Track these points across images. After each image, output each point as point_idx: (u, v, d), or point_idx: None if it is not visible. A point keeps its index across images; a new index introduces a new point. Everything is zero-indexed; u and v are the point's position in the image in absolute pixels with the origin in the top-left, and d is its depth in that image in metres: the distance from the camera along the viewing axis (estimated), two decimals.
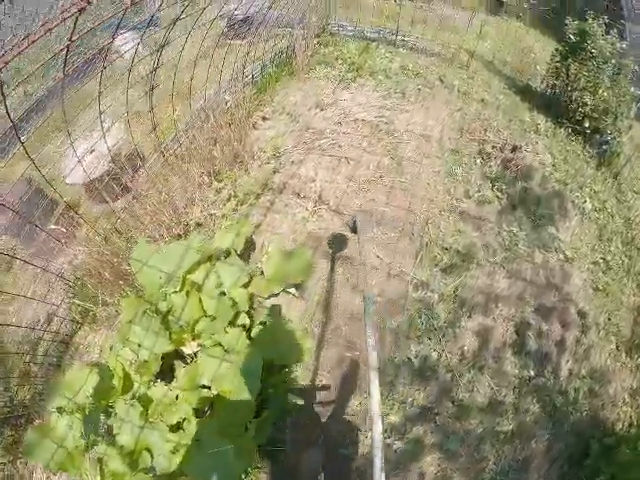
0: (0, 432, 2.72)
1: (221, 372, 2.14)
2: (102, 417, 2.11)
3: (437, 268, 2.81)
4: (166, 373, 2.36)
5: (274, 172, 3.43)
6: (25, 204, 3.28)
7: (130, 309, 2.49)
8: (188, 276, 2.40)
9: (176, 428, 2.09)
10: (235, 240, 2.70)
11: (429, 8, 5.93)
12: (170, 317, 2.36)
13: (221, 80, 3.66)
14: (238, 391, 2.02)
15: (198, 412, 2.12)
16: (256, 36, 4.25)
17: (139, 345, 2.31)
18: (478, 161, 3.53)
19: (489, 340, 2.56)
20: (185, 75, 3.53)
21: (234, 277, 2.45)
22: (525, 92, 4.70)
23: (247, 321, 2.35)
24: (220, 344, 2.20)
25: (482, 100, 4.29)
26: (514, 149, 3.52)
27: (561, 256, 2.97)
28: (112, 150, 3.27)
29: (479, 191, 3.27)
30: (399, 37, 5.14)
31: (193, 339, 2.33)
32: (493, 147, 3.60)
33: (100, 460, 1.98)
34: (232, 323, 2.34)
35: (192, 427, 2.01)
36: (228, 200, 3.24)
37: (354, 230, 2.52)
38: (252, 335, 2.27)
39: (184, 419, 2.08)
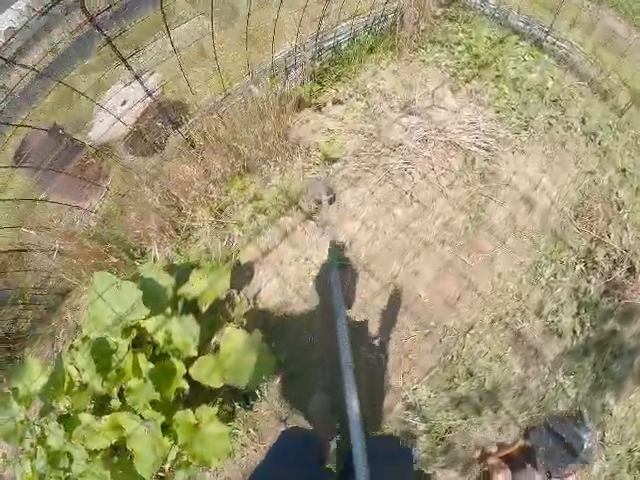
0: None
1: (136, 433, 1.75)
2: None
3: (445, 395, 2.04)
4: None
5: None
6: (47, 149, 2.92)
7: (100, 284, 2.20)
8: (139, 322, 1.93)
9: (95, 453, 1.96)
10: (208, 292, 2.08)
11: (597, 13, 4.04)
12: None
13: (297, 36, 2.74)
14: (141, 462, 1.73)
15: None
16: None
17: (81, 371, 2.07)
18: (578, 268, 2.38)
19: None
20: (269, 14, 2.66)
21: (187, 342, 1.91)
22: None
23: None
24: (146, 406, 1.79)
25: (623, 170, 2.87)
26: (630, 271, 2.37)
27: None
28: (150, 100, 2.67)
29: (556, 313, 2.24)
30: (550, 38, 3.48)
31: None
32: (605, 256, 2.42)
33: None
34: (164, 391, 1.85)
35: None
36: (250, 202, 2.64)
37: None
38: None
39: (102, 450, 1.92)
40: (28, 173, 2.77)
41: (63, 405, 2.04)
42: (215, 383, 1.84)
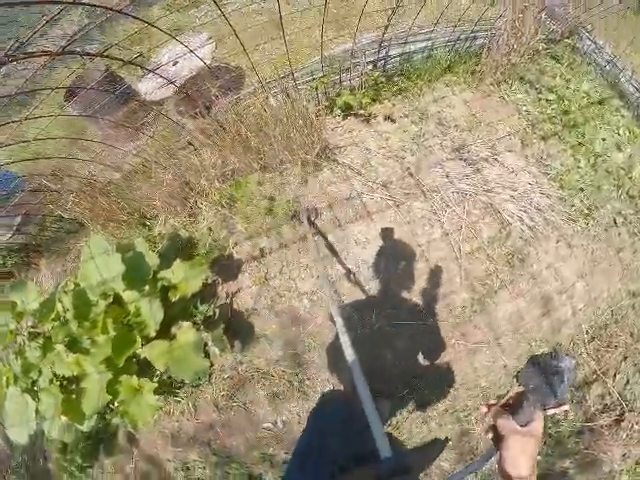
0: None
1: (91, 376, 1.92)
2: None
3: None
4: None
5: (329, 205, 2.28)
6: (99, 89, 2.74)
7: (94, 247, 2.25)
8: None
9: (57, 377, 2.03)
10: (182, 285, 2.07)
11: None
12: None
13: (355, 35, 2.27)
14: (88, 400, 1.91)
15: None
16: None
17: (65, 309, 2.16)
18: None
19: None
20: None
21: (149, 323, 1.96)
22: None
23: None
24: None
25: None
26: (616, 423, 1.95)
27: None
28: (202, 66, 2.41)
29: None
30: None
31: None
32: (599, 396, 2.01)
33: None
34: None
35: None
36: (261, 200, 2.39)
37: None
38: None
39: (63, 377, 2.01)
40: (76, 107, 2.72)
41: (47, 329, 2.22)
42: (159, 366, 1.90)
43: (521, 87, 2.71)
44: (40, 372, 2.14)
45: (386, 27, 2.00)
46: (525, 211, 2.34)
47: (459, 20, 2.28)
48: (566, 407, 0.64)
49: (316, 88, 2.18)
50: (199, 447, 2.23)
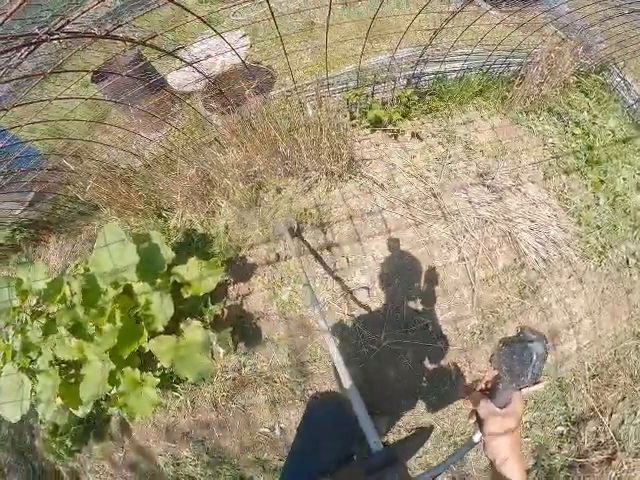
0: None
1: (92, 364, 1.87)
2: None
3: None
4: None
5: (349, 217, 2.25)
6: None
7: (109, 235, 2.20)
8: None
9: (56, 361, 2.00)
10: (195, 283, 2.03)
11: None
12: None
13: (395, 50, 2.25)
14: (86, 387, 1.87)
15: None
16: (520, 16, 2.45)
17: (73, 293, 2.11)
18: (559, 428, 2.06)
19: None
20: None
21: (159, 317, 1.91)
22: None
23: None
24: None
25: None
26: (608, 461, 1.95)
27: None
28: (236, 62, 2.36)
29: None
30: None
31: None
32: (594, 433, 2.02)
33: None
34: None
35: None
36: (282, 204, 2.42)
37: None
38: None
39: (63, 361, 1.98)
40: (102, 90, 2.66)
41: (51, 310, 2.17)
42: (165, 362, 1.86)
43: (549, 118, 2.69)
44: (40, 353, 2.10)
45: (427, 46, 1.96)
46: (542, 243, 2.32)
47: (497, 45, 2.24)
48: (541, 385, 0.64)
49: (347, 100, 2.14)
50: (192, 444, 2.20)
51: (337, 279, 2.16)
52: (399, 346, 2.10)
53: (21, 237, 3.00)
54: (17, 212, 3.03)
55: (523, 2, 2.34)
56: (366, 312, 2.15)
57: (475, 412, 0.70)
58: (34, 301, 2.43)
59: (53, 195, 2.83)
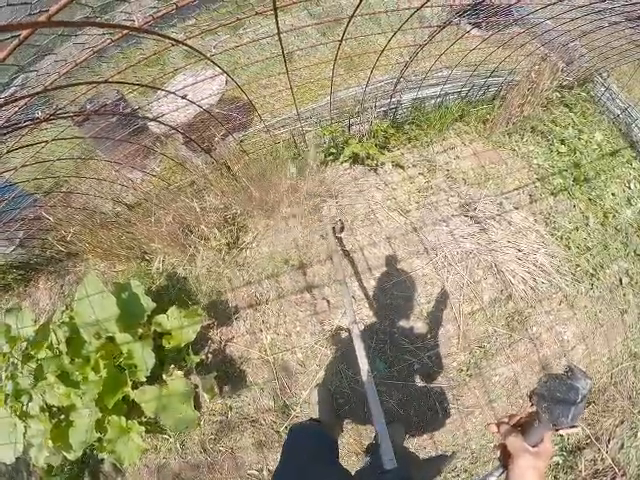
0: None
1: (80, 411, 1.88)
2: None
3: None
4: None
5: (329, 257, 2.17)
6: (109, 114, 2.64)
7: (90, 287, 2.21)
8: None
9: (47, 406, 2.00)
10: (175, 334, 2.02)
11: None
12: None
13: (368, 80, 2.16)
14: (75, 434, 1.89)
15: None
16: (496, 36, 2.33)
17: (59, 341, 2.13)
18: (555, 459, 1.96)
19: None
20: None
21: (141, 367, 1.90)
22: None
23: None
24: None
25: None
26: None
27: None
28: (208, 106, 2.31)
29: None
30: None
31: None
32: (591, 461, 1.93)
33: None
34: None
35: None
36: (258, 246, 2.38)
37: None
38: None
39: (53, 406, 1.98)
40: (85, 130, 2.65)
41: (40, 355, 2.18)
42: (149, 412, 1.87)
43: (532, 139, 2.60)
44: (31, 398, 2.11)
45: (400, 74, 1.89)
46: (529, 272, 2.25)
47: (477, 66, 2.15)
48: (577, 429, 0.61)
49: (323, 135, 2.09)
50: None
51: (320, 323, 2.13)
52: (383, 387, 2.06)
53: (12, 277, 3.02)
54: (8, 251, 3.04)
55: (504, 19, 2.25)
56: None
57: (502, 446, 0.68)
58: (24, 345, 2.45)
59: (39, 239, 2.84)
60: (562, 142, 2.61)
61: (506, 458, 0.66)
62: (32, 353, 2.20)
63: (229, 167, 2.17)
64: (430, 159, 2.47)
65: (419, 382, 2.07)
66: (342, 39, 1.50)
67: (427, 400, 2.03)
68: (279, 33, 1.32)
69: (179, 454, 2.23)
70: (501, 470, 0.67)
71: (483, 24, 2.70)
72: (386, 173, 2.42)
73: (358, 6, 1.19)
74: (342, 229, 2.20)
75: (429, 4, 1.32)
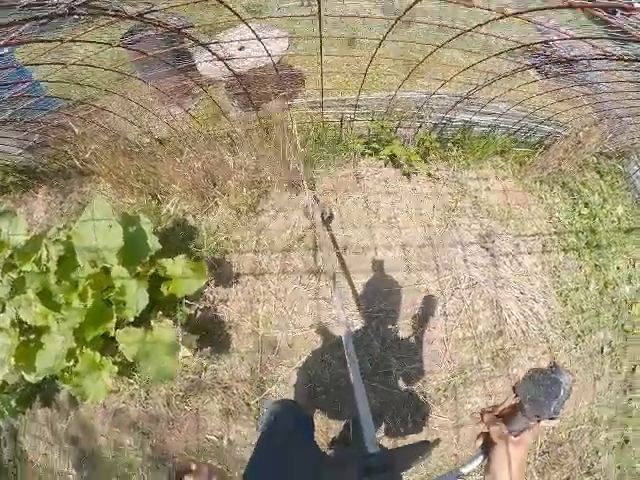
0: None
1: (53, 335, 1.80)
2: None
3: None
4: None
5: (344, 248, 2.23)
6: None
7: (97, 211, 2.10)
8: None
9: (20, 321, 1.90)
10: (175, 282, 1.95)
11: None
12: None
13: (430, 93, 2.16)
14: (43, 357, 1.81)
15: None
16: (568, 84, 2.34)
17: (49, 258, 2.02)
18: None
19: None
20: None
21: (132, 307, 1.83)
22: None
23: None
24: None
25: (626, 442, 2.20)
26: None
27: None
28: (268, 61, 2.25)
29: None
30: None
31: None
32: None
33: None
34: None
35: None
36: (275, 218, 2.34)
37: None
38: None
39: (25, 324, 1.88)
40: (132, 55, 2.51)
41: (25, 268, 2.07)
42: (128, 355, 1.78)
43: (560, 193, 2.66)
44: (3, 309, 2.00)
45: (464, 98, 1.89)
46: (524, 315, 2.31)
47: (532, 112, 2.18)
48: (557, 422, 0.65)
49: (370, 129, 2.06)
50: (138, 434, 2.14)
51: (318, 308, 2.11)
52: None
53: (11, 180, 2.86)
54: (14, 153, 2.87)
55: (571, 77, 2.27)
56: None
57: (484, 435, 0.72)
58: (9, 253, 2.32)
59: (53, 148, 2.70)
60: (586, 205, 2.68)
61: (488, 446, 0.70)
62: (17, 263, 2.09)
63: (268, 130, 2.11)
64: (463, 182, 2.49)
65: (397, 390, 2.08)
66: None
67: (402, 409, 2.05)
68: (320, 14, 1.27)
69: (141, 402, 2.18)
70: (482, 457, 0.71)
71: (551, 74, 2.73)
72: (418, 183, 2.42)
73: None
74: (330, 218, 2.16)
75: (512, 39, 1.31)
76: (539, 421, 0.65)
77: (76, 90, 2.70)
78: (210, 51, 1.70)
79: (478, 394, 2.18)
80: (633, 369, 2.48)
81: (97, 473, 2.16)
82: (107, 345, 2.01)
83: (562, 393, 0.62)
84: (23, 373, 1.86)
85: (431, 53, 1.49)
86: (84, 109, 2.24)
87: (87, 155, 2.13)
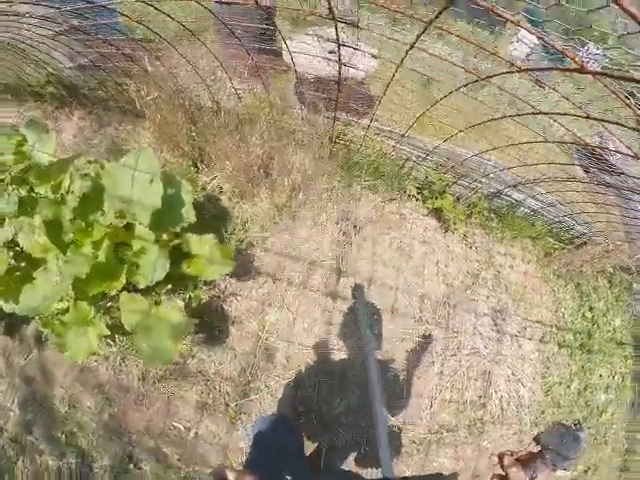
0: None
1: (49, 274, 1.66)
2: None
3: None
4: None
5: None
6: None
7: (142, 162, 1.96)
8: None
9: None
10: (197, 261, 1.84)
11: None
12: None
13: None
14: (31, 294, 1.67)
15: None
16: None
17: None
18: None
19: None
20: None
21: (147, 275, 1.68)
22: None
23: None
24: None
25: None
26: None
27: None
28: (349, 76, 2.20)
29: None
30: None
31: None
32: None
33: None
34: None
35: None
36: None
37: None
38: None
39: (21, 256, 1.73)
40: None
41: (38, 190, 1.89)
42: (126, 323, 1.64)
43: (572, 292, 2.76)
44: (2, 225, 1.82)
45: (523, 183, 1.92)
46: (509, 395, 2.37)
47: (578, 213, 2.25)
48: (568, 473, 0.79)
49: (427, 175, 2.06)
50: (100, 399, 2.01)
51: (328, 333, 2.07)
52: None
53: (51, 91, 2.63)
54: (66, 65, 2.65)
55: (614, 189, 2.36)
56: (333, 374, 2.07)
57: (501, 477, 0.75)
58: (27, 167, 2.12)
59: (107, 75, 2.50)
60: (590, 309, 2.79)
61: None
62: (32, 181, 1.90)
63: (334, 140, 2.06)
64: (491, 253, 2.54)
65: (372, 431, 2.06)
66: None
67: (375, 444, 2.03)
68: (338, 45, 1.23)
69: (114, 367, 2.05)
70: None
71: (594, 175, 2.84)
72: (452, 241, 2.45)
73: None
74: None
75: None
76: (554, 470, 0.71)
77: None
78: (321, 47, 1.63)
79: (447, 456, 2.20)
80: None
81: (42, 420, 2.02)
82: (104, 304, 1.88)
83: (580, 448, 0.71)
84: (1, 302, 1.70)
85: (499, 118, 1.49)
86: (163, 48, 2.08)
87: (148, 98, 1.99)
